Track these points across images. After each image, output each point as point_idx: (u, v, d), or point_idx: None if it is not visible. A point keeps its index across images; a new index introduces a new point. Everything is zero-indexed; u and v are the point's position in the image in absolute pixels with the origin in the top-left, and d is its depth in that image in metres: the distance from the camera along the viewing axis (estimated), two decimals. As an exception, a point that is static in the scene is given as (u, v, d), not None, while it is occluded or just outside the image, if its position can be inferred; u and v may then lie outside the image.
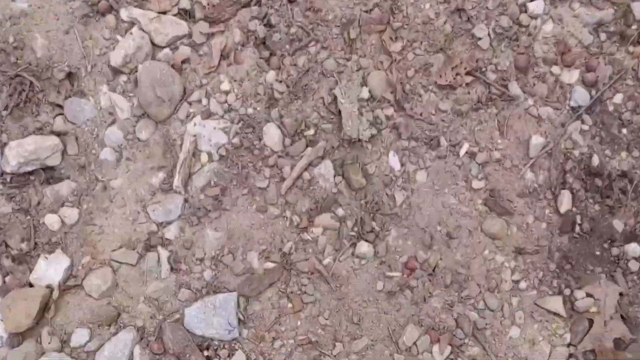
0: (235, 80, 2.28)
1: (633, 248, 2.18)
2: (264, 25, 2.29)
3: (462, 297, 2.17)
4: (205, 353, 2.13)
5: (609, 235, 2.20)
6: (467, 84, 2.26)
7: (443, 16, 2.29)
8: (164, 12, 2.30)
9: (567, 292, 2.17)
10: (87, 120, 2.28)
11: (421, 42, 2.29)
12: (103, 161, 2.26)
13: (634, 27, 2.26)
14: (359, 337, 2.16)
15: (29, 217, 2.23)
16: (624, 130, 2.24)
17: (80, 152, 2.27)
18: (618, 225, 2.20)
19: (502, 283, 2.18)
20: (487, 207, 2.22)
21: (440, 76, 2.26)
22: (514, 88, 2.26)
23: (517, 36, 2.27)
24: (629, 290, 2.16)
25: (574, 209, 2.21)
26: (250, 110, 2.26)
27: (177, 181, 2.20)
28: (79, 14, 2.31)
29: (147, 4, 2.30)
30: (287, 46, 2.29)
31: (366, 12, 2.29)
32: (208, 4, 2.29)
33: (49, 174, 2.25)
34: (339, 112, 2.22)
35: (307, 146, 2.24)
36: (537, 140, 2.22)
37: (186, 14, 2.31)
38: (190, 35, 2.30)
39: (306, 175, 2.22)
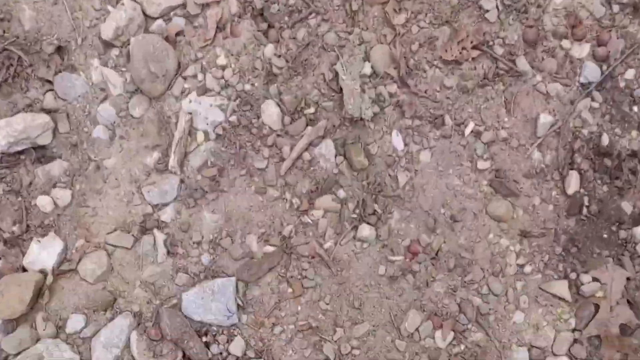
0: (232, 54, 2.19)
1: (642, 231, 2.14)
2: (262, -5, 2.20)
3: (465, 282, 2.13)
4: (204, 339, 2.09)
5: (617, 217, 2.15)
6: (473, 59, 2.18)
7: (449, -13, 2.20)
8: (157, -19, 2.20)
9: (572, 276, 2.13)
10: (78, 97, 2.20)
11: (426, 14, 2.20)
12: (96, 139, 2.18)
13: (648, -2, 2.18)
14: (360, 322, 2.12)
15: (20, 199, 2.16)
16: (635, 108, 2.18)
17: (72, 130, 2.19)
18: (627, 207, 2.15)
19: (507, 267, 2.14)
20: (492, 188, 2.16)
21: (446, 50, 2.18)
22: (522, 63, 2.18)
23: (526, 8, 2.19)
24: (637, 274, 2.13)
25: (581, 191, 2.16)
26: (247, 87, 2.18)
27: (172, 161, 2.13)
28: (66, -17, 2.21)
29: (138, -27, 2.20)
30: (286, 18, 2.19)
31: (369, -18, 2.19)
32: (203, -27, 2.19)
33: (40, 153, 2.18)
34: (341, 89, 2.15)
35: (307, 125, 2.17)
36: (545, 118, 2.15)
37: (180, -17, 2.21)
38: (184, 5, 2.20)
39: (306, 155, 2.15)
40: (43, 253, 2.11)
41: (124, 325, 2.09)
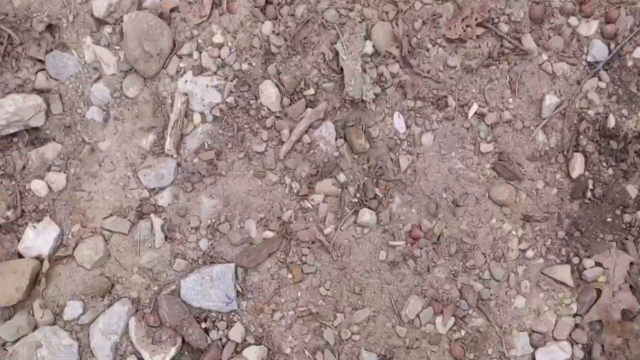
0: (228, 32, 2.12)
1: (646, 215, 2.11)
2: (259, -31, 2.11)
3: (466, 267, 2.10)
4: (203, 325, 2.07)
5: (621, 201, 2.11)
6: (477, 37, 2.12)
7: (454, -38, 2.11)
8: (150, -44, 2.11)
9: (575, 260, 2.11)
10: (70, 77, 2.13)
11: (429, -11, 2.13)
12: (90, 121, 2.12)
13: (660, -25, 2.10)
14: (360, 308, 2.10)
15: (14, 183, 2.11)
16: (643, 88, 2.13)
17: (65, 112, 2.13)
18: (632, 190, 2.11)
19: (509, 252, 2.11)
20: (495, 171, 2.12)
21: (450, 28, 2.11)
22: (528, 41, 2.12)
23: (533, -17, 2.11)
24: (640, 259, 2.11)
25: (586, 174, 2.12)
26: (245, 66, 2.11)
27: (168, 144, 2.08)
28: (56, -42, 2.12)
29: (130, -53, 2.11)
30: (285, -7, 2.12)
31: (370, -43, 2.11)
32: (198, -52, 2.11)
33: (33, 135, 2.12)
34: (341, 69, 2.08)
35: (307, 107, 2.11)
36: (550, 99, 2.10)
37: (174, -43, 2.13)
38: (179, -20, 2.13)
39: (306, 138, 2.10)
40: (39, 238, 2.07)
41: (122, 311, 2.07)
